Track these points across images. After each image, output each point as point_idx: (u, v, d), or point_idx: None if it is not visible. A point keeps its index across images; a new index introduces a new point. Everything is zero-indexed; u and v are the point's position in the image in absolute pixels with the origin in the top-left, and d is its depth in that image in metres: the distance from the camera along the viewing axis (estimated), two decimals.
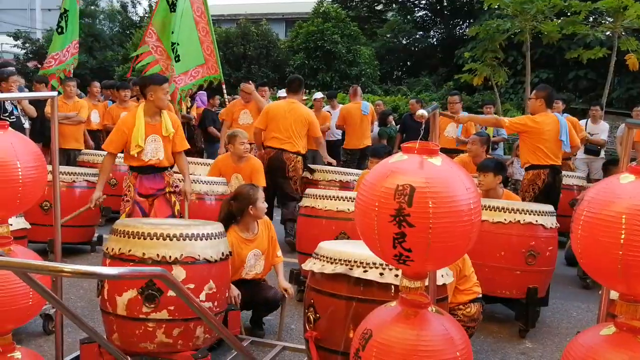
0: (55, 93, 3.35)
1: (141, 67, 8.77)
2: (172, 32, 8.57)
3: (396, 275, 2.83)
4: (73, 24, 9.30)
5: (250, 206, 4.07)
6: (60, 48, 9.31)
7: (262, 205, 4.17)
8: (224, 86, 9.64)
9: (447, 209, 2.00)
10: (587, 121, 9.10)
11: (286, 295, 4.09)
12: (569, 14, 12.34)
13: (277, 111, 6.75)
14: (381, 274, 2.86)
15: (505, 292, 4.30)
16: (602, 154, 9.34)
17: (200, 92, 10.70)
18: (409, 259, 2.06)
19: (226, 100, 9.56)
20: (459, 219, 2.02)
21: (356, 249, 3.00)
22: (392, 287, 2.86)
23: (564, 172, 7.41)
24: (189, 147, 5.45)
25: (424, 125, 2.11)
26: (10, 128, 2.84)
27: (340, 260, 2.97)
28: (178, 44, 8.58)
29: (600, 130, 9.19)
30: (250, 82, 8.54)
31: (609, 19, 12.82)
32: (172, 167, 5.08)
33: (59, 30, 9.42)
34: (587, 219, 1.90)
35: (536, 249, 4.28)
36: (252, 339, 3.94)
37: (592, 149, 8.94)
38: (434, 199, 1.99)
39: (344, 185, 6.42)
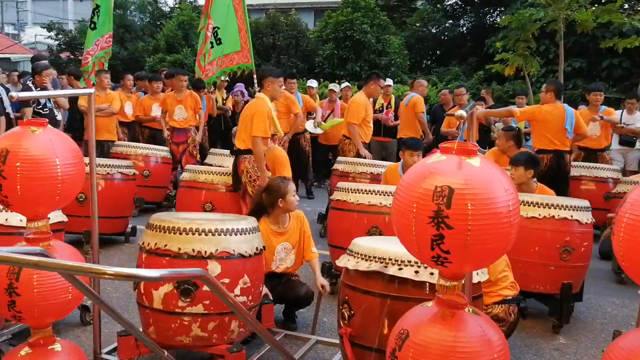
0: (92, 90, 3.41)
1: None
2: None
3: (431, 274, 2.82)
4: (104, 18, 9.44)
5: (280, 199, 4.10)
6: (92, 44, 9.50)
7: (293, 198, 4.18)
8: (255, 76, 9.70)
9: (486, 210, 1.99)
10: (622, 112, 8.89)
11: (322, 292, 4.10)
12: (604, 1, 12.03)
13: None
14: (416, 272, 2.86)
15: (539, 288, 4.26)
16: (638, 144, 9.15)
17: (239, 83, 10.76)
18: (447, 261, 2.06)
19: (256, 90, 9.60)
20: (498, 220, 2.00)
21: (391, 246, 2.99)
22: (427, 285, 2.85)
23: (599, 165, 7.32)
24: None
25: (463, 126, 2.09)
26: (49, 125, 2.91)
27: (374, 257, 2.97)
28: (219, 28, 8.79)
29: (636, 120, 8.99)
30: None
31: None
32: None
33: (92, 26, 9.58)
34: (630, 222, 1.87)
35: (571, 245, 4.22)
36: (285, 333, 3.97)
37: (627, 139, 8.76)
38: (472, 200, 1.98)
39: (375, 178, 6.39)
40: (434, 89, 14.02)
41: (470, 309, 2.23)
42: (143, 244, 3.42)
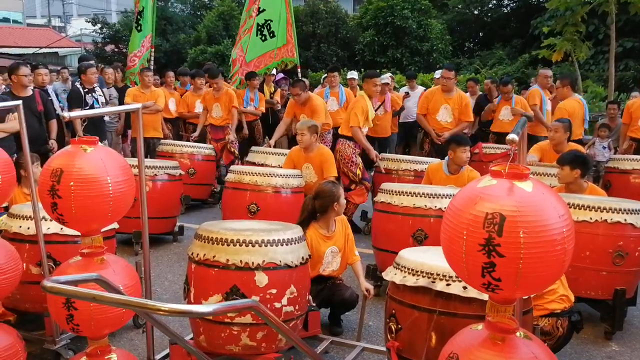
0: (139, 105, 3.47)
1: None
2: (264, 10, 8.93)
3: None
4: (147, 20, 9.62)
5: (335, 203, 4.13)
6: (139, 46, 9.72)
7: (343, 201, 4.22)
8: (299, 70, 9.74)
9: (539, 238, 1.93)
10: None
11: (367, 295, 4.10)
12: None
13: None
14: (464, 287, 2.82)
15: (591, 293, 4.15)
16: None
17: (280, 74, 10.79)
18: (498, 288, 2.02)
19: (303, 79, 9.60)
20: (552, 248, 1.95)
21: (438, 260, 2.95)
22: (476, 301, 2.81)
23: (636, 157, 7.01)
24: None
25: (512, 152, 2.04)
26: (99, 143, 2.99)
27: (422, 272, 2.95)
28: (272, 21, 8.93)
29: None
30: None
31: None
32: None
33: (138, 28, 9.78)
34: None
35: (624, 249, 4.08)
36: (332, 339, 3.99)
37: None
38: (525, 228, 1.93)
39: (419, 175, 6.30)
40: (479, 76, 13.71)
41: (522, 333, 2.19)
42: (192, 254, 3.47)
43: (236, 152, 8.50)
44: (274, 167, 6.48)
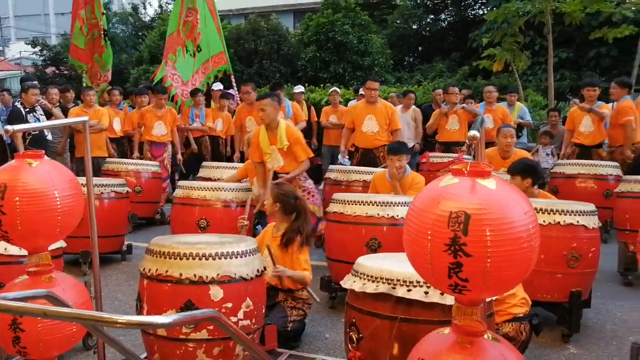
0: (86, 118, 3.35)
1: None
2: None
3: (442, 294, 2.71)
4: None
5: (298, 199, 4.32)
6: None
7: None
8: (232, 77, 9.59)
9: (505, 235, 1.89)
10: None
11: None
12: None
13: None
14: (426, 292, 2.75)
15: (547, 296, 4.14)
16: None
17: (217, 82, 10.66)
18: (465, 289, 1.96)
19: (234, 87, 9.49)
20: (518, 245, 1.91)
21: (398, 266, 2.89)
22: (438, 306, 2.75)
23: (598, 162, 7.20)
24: None
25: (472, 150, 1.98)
26: (45, 157, 2.92)
27: (382, 278, 2.87)
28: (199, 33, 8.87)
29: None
30: None
31: None
32: None
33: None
34: None
35: (578, 251, 4.10)
36: (289, 353, 3.86)
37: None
38: (491, 225, 1.88)
39: (367, 185, 6.25)
40: (420, 89, 13.88)
41: (490, 335, 2.13)
42: (144, 270, 3.34)
43: (169, 166, 8.49)
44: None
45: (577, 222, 4.11)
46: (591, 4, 11.04)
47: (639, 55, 11.68)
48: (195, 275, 3.16)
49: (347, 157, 7.69)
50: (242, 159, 7.94)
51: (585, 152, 7.66)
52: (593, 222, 4.21)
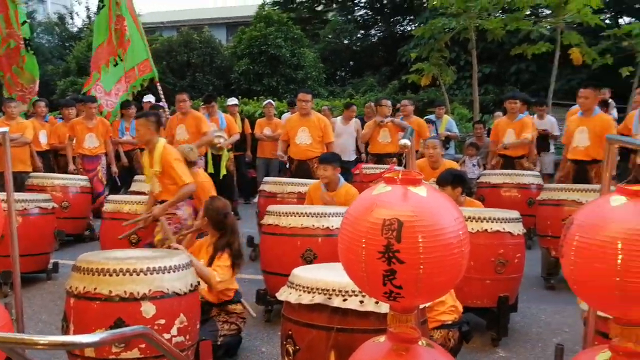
0: (6, 129, 3.18)
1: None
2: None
3: (377, 302, 2.74)
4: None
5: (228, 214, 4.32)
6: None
7: None
8: (158, 85, 9.40)
9: (437, 242, 1.93)
10: (533, 117, 9.26)
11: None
12: (512, 10, 12.56)
13: None
14: (361, 301, 2.78)
15: (477, 302, 4.27)
16: (552, 148, 9.56)
17: (148, 95, 10.45)
18: (399, 296, 1.98)
19: (162, 99, 9.31)
20: (449, 251, 1.95)
21: (333, 276, 2.90)
22: (373, 314, 2.77)
23: (520, 172, 7.51)
24: None
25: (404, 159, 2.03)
26: None
27: (317, 289, 2.87)
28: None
29: (548, 125, 9.40)
30: None
31: (547, 11, 13.14)
32: None
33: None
34: (580, 245, 1.85)
35: (505, 257, 4.27)
36: None
37: (542, 144, 9.11)
38: (423, 232, 1.91)
39: (302, 197, 6.29)
40: (352, 102, 14.09)
41: (424, 342, 2.17)
42: (71, 288, 3.22)
43: (104, 180, 8.19)
44: None
45: (503, 229, 4.27)
46: (511, 21, 11.64)
47: (555, 70, 12.33)
48: (125, 291, 3.07)
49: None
50: None
51: (509, 162, 7.97)
52: (518, 229, 4.39)
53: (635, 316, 1.84)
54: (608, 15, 17.26)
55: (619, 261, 1.75)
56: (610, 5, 16.69)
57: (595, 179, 6.31)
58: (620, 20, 17.95)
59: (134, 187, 7.21)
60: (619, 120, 8.48)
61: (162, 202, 5.14)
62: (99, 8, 9.33)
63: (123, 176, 8.80)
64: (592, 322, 2.39)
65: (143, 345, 3.07)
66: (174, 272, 3.23)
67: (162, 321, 3.13)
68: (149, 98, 10.26)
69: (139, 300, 3.08)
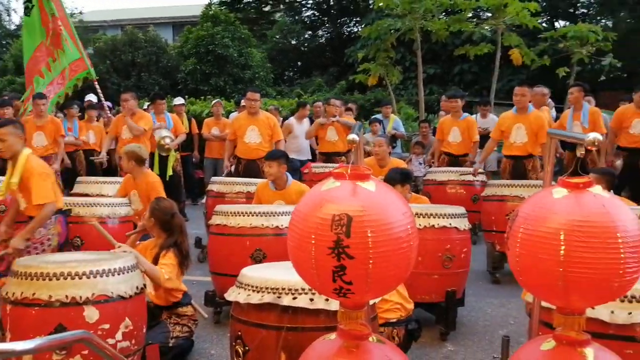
0: None
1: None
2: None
3: (327, 300, 2.73)
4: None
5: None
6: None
7: None
8: (96, 84, 9.12)
9: (385, 236, 1.92)
10: (476, 116, 9.47)
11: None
12: (455, 11, 12.87)
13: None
14: (311, 299, 2.76)
15: (425, 297, 4.31)
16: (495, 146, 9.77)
17: (91, 94, 10.15)
18: (349, 292, 1.97)
19: (101, 98, 9.06)
20: (398, 246, 1.95)
21: (283, 275, 2.88)
22: (323, 312, 2.76)
23: (465, 169, 7.66)
24: None
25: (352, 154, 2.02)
26: None
27: (267, 288, 2.84)
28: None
29: (490, 124, 9.60)
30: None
31: (488, 13, 13.52)
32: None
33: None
34: (525, 237, 1.89)
35: (452, 252, 4.34)
36: None
37: (485, 142, 9.30)
38: (372, 227, 1.91)
39: (251, 197, 6.22)
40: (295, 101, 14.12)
41: (375, 338, 2.16)
42: (7, 294, 3.06)
43: (61, 184, 7.83)
44: (110, 197, 6.07)
45: (450, 224, 4.34)
46: (454, 23, 11.94)
47: (496, 71, 12.70)
48: (67, 296, 2.94)
49: (232, 169, 7.59)
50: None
51: (454, 160, 8.12)
52: (464, 224, 4.48)
53: (577, 305, 1.90)
54: (545, 19, 17.91)
55: (562, 252, 1.79)
56: (547, 10, 17.34)
57: (531, 172, 6.59)
58: (556, 24, 18.70)
59: (77, 189, 6.98)
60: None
61: (31, 218, 4.45)
62: (28, 9, 8.88)
63: (66, 178, 8.51)
64: (536, 313, 2.44)
65: (86, 352, 2.95)
66: (119, 274, 3.12)
67: (107, 326, 3.02)
68: (91, 97, 9.96)
69: (81, 305, 2.96)
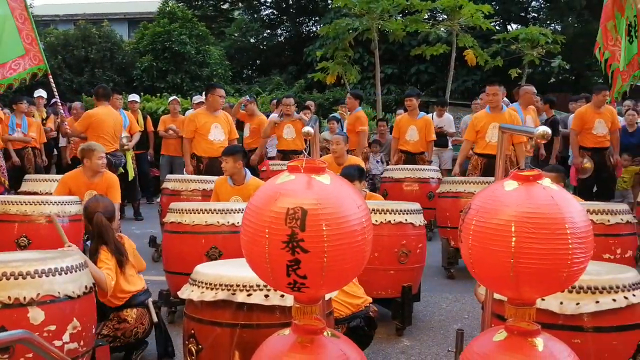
0: None
1: None
2: None
3: (282, 296, 2.71)
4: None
5: None
6: None
7: None
8: (50, 78, 8.85)
9: (340, 230, 1.91)
10: (432, 115, 9.61)
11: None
12: (412, 12, 13.02)
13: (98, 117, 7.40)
14: (266, 295, 2.73)
15: (381, 293, 4.33)
16: (450, 144, 9.94)
17: (40, 89, 9.85)
18: (304, 286, 1.95)
19: (55, 95, 8.81)
20: (353, 239, 1.94)
21: (237, 271, 2.84)
22: (278, 308, 2.73)
23: (421, 166, 7.77)
24: None
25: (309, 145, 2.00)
26: None
27: (221, 285, 2.79)
28: None
29: (446, 123, 9.76)
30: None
31: (444, 16, 13.74)
32: None
33: None
34: (477, 229, 1.91)
35: (407, 247, 4.37)
36: None
37: (441, 141, 9.46)
38: (327, 220, 1.89)
39: (207, 194, 6.15)
40: (260, 99, 14.04)
41: (329, 333, 2.15)
42: None
43: (6, 181, 7.59)
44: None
45: (406, 220, 4.38)
46: (411, 23, 12.08)
47: (451, 71, 12.93)
48: (10, 297, 2.79)
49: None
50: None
51: (410, 158, 8.22)
52: (419, 220, 4.52)
53: (528, 296, 1.92)
54: (498, 22, 18.33)
55: (513, 243, 1.81)
56: (500, 13, 17.72)
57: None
58: (509, 27, 19.16)
59: (24, 187, 6.79)
60: None
61: None
62: None
63: (13, 175, 8.24)
64: (489, 305, 2.47)
65: (30, 355, 2.82)
66: (67, 273, 2.99)
67: (53, 327, 2.89)
68: (40, 93, 9.68)
69: (25, 306, 2.82)
